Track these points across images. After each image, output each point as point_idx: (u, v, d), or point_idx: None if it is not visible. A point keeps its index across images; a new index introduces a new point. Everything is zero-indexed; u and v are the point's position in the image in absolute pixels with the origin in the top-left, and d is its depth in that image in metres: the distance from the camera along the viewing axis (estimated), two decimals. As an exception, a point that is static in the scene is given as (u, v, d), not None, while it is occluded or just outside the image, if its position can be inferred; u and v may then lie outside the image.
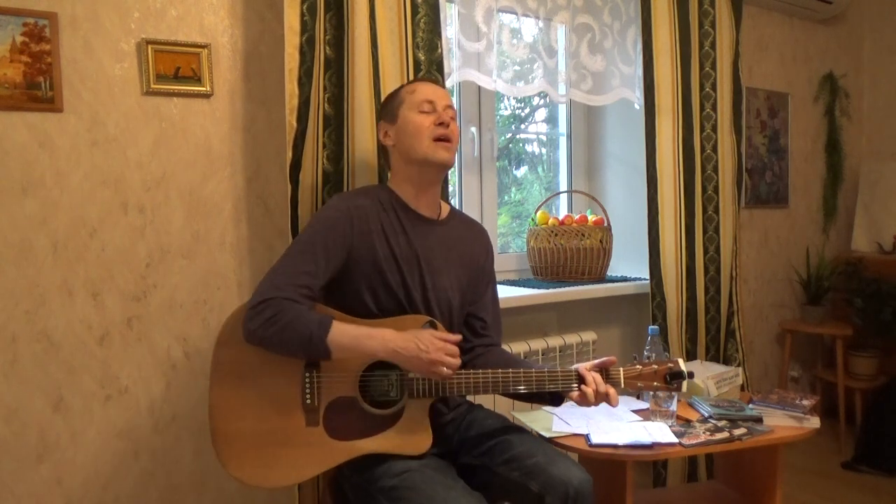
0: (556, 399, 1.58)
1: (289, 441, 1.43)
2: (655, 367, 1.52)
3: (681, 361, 1.53)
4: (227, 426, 1.42)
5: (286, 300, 1.40)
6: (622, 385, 1.51)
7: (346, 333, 1.41)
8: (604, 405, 1.50)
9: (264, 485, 1.43)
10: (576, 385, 1.48)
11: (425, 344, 1.40)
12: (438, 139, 1.54)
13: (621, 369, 1.52)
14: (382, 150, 1.67)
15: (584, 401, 1.48)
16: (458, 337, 1.46)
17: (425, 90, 1.58)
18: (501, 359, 1.67)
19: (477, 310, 1.70)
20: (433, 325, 1.50)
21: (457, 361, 1.42)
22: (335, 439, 1.45)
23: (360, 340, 1.41)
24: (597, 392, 1.46)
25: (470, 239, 1.70)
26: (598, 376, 1.48)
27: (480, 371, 1.48)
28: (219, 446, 1.42)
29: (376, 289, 1.53)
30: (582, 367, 1.51)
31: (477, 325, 1.70)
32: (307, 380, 1.45)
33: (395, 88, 1.66)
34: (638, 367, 1.53)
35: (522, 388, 1.48)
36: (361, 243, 1.51)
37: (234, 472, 1.41)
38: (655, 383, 1.51)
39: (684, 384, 1.52)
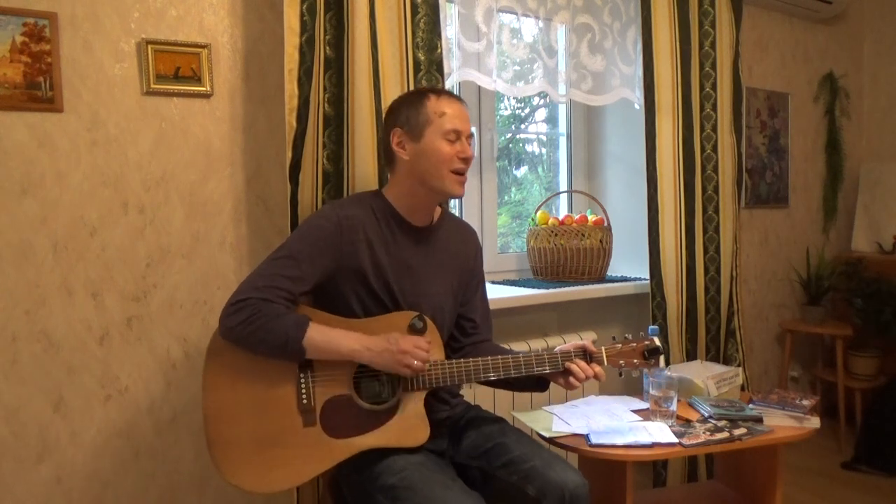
0: (541, 384, 1.64)
1: (287, 443, 1.43)
2: (634, 344, 1.63)
3: (656, 339, 1.65)
4: (224, 433, 1.42)
5: (263, 301, 1.41)
6: (605, 363, 1.60)
7: (321, 333, 1.43)
8: (603, 402, 1.53)
9: (265, 490, 1.42)
10: (561, 369, 1.56)
11: (395, 338, 1.44)
12: (456, 172, 1.55)
13: (604, 348, 1.61)
14: (387, 154, 1.61)
15: (569, 386, 1.57)
16: (427, 339, 1.49)
17: (453, 117, 1.54)
18: (491, 350, 1.69)
19: (467, 311, 1.71)
20: (422, 320, 1.51)
21: (426, 356, 1.45)
22: (333, 438, 1.45)
23: (334, 340, 1.43)
24: (584, 377, 1.56)
25: (460, 242, 1.70)
26: (582, 363, 1.56)
27: (471, 359, 1.52)
28: (216, 455, 1.41)
29: (363, 298, 1.54)
30: (563, 351, 1.57)
31: (467, 325, 1.71)
32: (302, 380, 1.45)
33: (417, 95, 1.58)
34: (618, 345, 1.63)
35: (512, 372, 1.54)
36: (350, 253, 1.51)
37: (234, 479, 1.40)
38: (635, 360, 1.62)
39: (661, 359, 1.65)
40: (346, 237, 1.51)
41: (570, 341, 2.35)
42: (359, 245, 1.52)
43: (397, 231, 1.57)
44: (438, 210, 1.69)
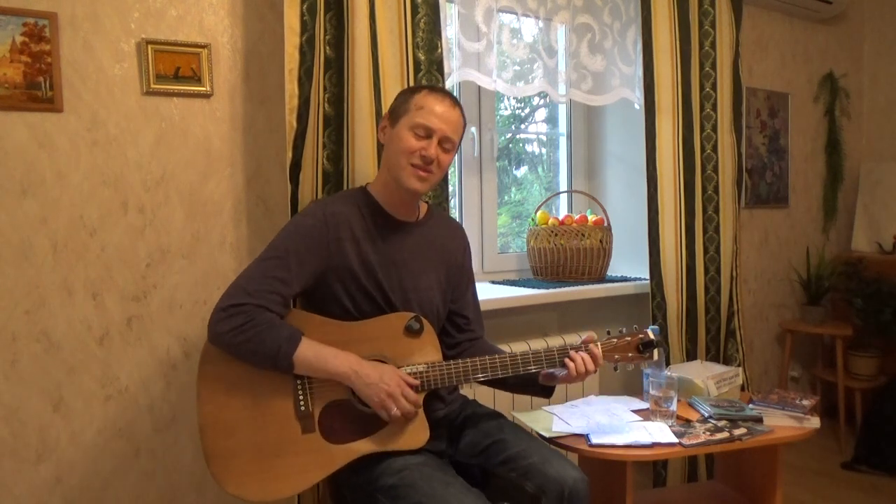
0: (546, 391, 1.63)
1: (287, 451, 1.41)
2: (628, 338, 1.61)
3: (650, 332, 1.61)
4: (221, 444, 1.39)
5: (258, 308, 1.39)
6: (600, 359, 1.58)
7: (313, 350, 1.41)
8: (603, 402, 1.52)
9: (267, 499, 1.39)
10: (559, 366, 1.54)
11: (388, 377, 1.41)
12: (415, 166, 1.51)
13: (598, 343, 1.58)
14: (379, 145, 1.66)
15: (567, 378, 1.55)
16: (416, 382, 1.46)
17: (430, 114, 1.51)
18: (488, 349, 1.70)
19: (460, 308, 1.72)
20: (418, 322, 1.51)
21: (411, 409, 1.42)
22: (333, 443, 1.44)
23: (325, 359, 1.41)
24: (584, 370, 1.53)
25: (447, 238, 1.70)
26: (579, 354, 1.54)
27: (468, 360, 1.51)
28: (214, 466, 1.39)
29: (354, 294, 1.53)
30: (559, 348, 1.55)
31: (461, 322, 1.72)
32: (299, 387, 1.44)
33: (416, 87, 1.62)
34: (613, 339, 1.61)
35: (510, 370, 1.52)
36: (337, 250, 1.51)
37: (235, 490, 1.38)
38: (630, 354, 1.60)
39: (655, 352, 1.60)
40: (332, 234, 1.50)
41: (570, 341, 2.38)
42: (345, 242, 1.52)
43: (383, 226, 1.58)
44: (424, 207, 1.70)
